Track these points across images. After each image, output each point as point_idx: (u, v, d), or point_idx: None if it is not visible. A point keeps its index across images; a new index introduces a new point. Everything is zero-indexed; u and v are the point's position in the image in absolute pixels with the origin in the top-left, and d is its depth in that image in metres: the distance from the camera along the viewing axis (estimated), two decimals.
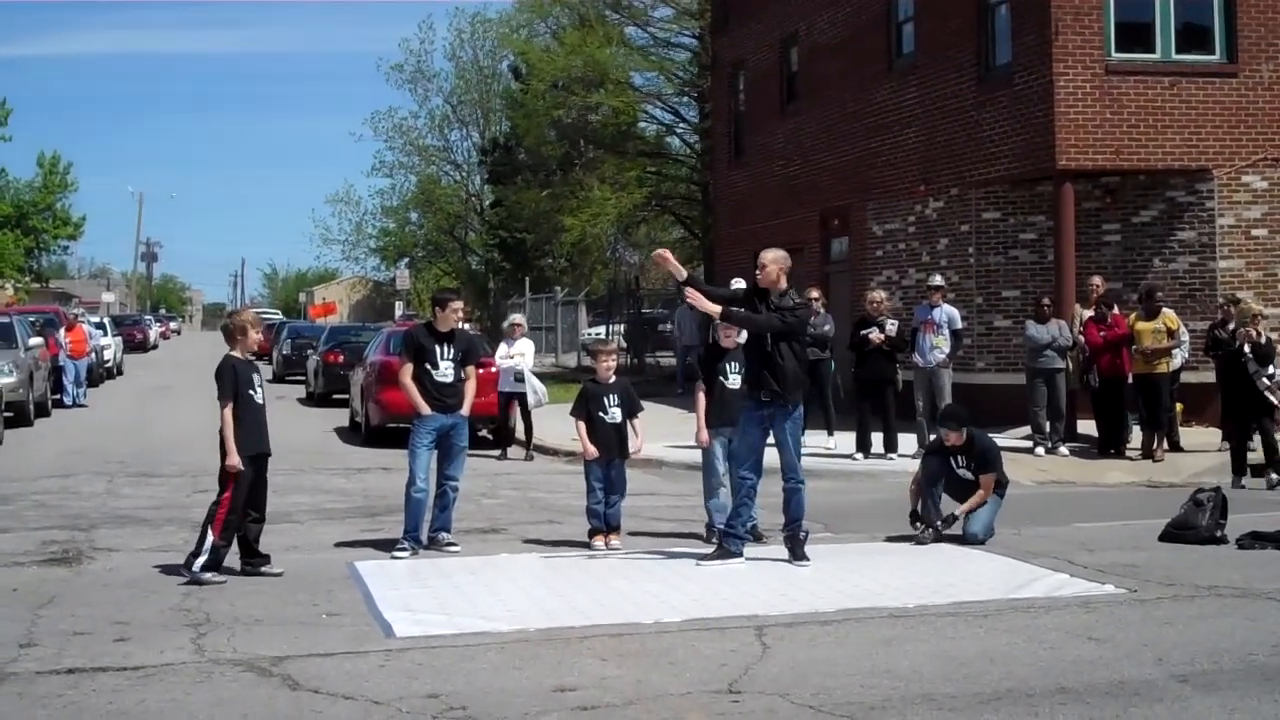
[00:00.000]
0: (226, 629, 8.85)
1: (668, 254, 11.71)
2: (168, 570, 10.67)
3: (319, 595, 9.97)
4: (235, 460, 10.57)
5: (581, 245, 47.33)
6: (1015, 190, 22.31)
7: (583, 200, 44.41)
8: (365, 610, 9.48)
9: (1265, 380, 16.85)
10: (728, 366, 12.19)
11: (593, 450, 12.19)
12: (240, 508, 10.68)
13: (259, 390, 11.01)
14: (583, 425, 12.31)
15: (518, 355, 20.34)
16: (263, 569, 10.77)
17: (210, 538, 10.47)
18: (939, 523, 12.36)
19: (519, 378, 20.12)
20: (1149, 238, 21.78)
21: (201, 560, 10.42)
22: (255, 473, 10.85)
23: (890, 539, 12.54)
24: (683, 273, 11.60)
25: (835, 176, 26.99)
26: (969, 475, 12.56)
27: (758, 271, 11.36)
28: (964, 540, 12.20)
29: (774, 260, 11.33)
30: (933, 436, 13.50)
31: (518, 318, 21.92)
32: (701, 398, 12.34)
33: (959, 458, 12.64)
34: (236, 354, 10.97)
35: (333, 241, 69.87)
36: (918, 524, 12.42)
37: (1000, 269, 22.51)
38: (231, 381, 10.74)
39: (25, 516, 14.17)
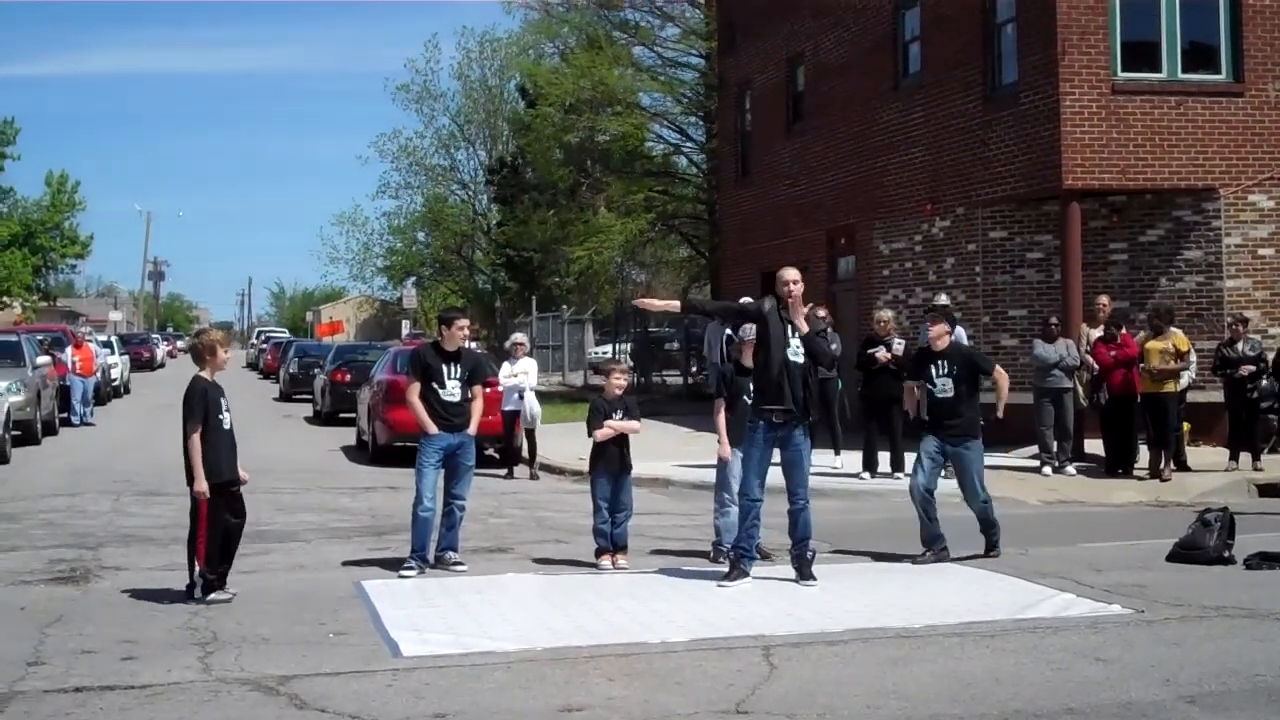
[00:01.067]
0: (233, 648, 8.85)
1: (647, 301, 11.96)
2: (174, 589, 10.65)
3: (326, 614, 9.96)
4: (203, 485, 10.31)
5: (589, 269, 47.39)
6: (1022, 209, 22.32)
7: (590, 227, 44.45)
8: (372, 629, 9.47)
9: None
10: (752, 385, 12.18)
11: (636, 426, 12.36)
12: (220, 534, 10.46)
13: (228, 414, 10.67)
14: (605, 428, 12.30)
15: (521, 374, 20.33)
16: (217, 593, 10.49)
17: (198, 568, 10.40)
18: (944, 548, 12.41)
19: (523, 396, 20.14)
20: (1156, 257, 21.78)
21: (199, 588, 10.39)
22: (227, 499, 10.54)
23: (897, 559, 12.53)
24: (675, 304, 11.71)
25: (841, 196, 27.02)
26: (948, 391, 12.51)
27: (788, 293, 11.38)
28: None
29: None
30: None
31: (519, 337, 21.90)
32: (722, 414, 12.32)
33: (940, 363, 12.61)
34: (205, 375, 10.64)
35: (340, 260, 70.27)
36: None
37: (1007, 288, 22.51)
38: (201, 406, 10.40)
39: (33, 535, 14.19)
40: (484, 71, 63.00)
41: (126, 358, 46.52)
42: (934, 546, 12.39)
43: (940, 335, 12.72)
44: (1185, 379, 18.81)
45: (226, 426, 10.62)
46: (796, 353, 11.24)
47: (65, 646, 8.93)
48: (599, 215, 45.73)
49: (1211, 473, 18.54)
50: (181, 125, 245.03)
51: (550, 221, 47.76)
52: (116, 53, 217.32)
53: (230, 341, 11.33)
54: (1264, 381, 18.93)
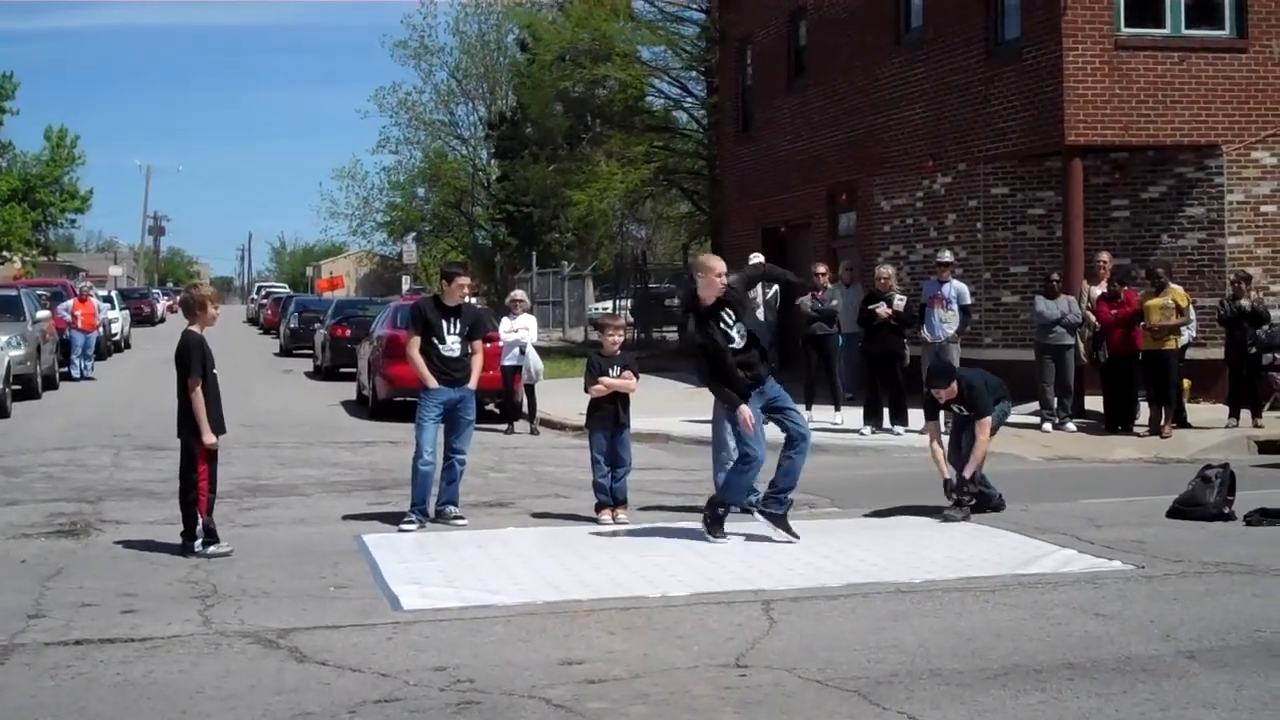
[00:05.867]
0: (234, 601, 8.87)
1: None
2: (175, 543, 10.66)
3: (326, 568, 9.98)
4: (211, 437, 10.48)
5: (588, 220, 47.23)
6: (1024, 165, 22.24)
7: (590, 175, 44.31)
8: (372, 583, 9.49)
9: None
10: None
11: (631, 384, 12.32)
12: (216, 483, 10.65)
13: (214, 369, 10.80)
14: (599, 384, 12.27)
15: (521, 330, 20.38)
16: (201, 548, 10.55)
17: (200, 519, 10.45)
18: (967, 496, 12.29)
19: (523, 351, 20.18)
20: (1158, 214, 21.73)
21: (200, 540, 10.42)
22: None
23: (897, 512, 12.54)
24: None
25: (843, 151, 26.90)
26: (967, 411, 12.50)
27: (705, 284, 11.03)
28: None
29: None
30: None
31: (519, 294, 21.96)
32: None
33: (956, 406, 12.58)
34: (196, 329, 10.72)
35: (340, 215, 70.13)
36: (953, 494, 12.30)
37: (1008, 244, 22.46)
38: (199, 359, 10.53)
39: (33, 488, 14.21)
40: (481, 26, 62.69)
41: (127, 313, 46.49)
42: (962, 501, 12.32)
43: (949, 396, 12.56)
44: (1186, 335, 18.79)
45: (217, 381, 10.77)
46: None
47: (65, 599, 8.94)
48: (599, 166, 45.49)
49: (1211, 429, 18.53)
50: (181, 80, 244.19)
51: (549, 173, 47.56)
52: (116, 7, 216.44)
53: (219, 298, 11.33)
54: (1262, 331, 18.78)
